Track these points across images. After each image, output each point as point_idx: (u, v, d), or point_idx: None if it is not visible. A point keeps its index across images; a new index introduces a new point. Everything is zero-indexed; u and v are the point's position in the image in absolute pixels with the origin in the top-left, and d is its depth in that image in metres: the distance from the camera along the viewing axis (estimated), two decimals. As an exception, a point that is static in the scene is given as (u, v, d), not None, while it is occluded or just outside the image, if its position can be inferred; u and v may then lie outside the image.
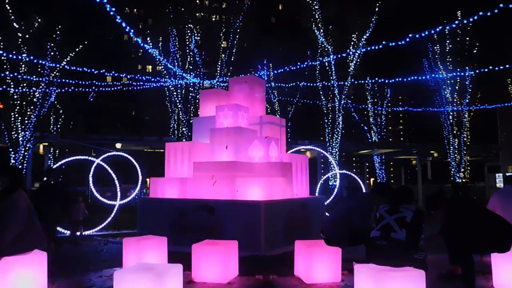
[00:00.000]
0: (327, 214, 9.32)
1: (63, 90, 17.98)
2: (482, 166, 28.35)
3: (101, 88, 18.82)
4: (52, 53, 17.16)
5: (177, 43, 23.14)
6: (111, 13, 10.42)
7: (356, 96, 24.94)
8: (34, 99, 16.74)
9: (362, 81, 22.03)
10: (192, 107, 22.58)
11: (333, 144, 21.67)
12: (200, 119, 9.67)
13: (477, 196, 21.60)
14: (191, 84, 22.62)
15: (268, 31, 42.85)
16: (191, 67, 23.15)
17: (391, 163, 52.07)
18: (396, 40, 11.83)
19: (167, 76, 22.83)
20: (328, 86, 22.22)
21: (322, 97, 22.52)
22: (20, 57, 15.77)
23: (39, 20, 17.10)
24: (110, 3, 10.11)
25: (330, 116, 22.19)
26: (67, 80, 17.24)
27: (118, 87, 19.90)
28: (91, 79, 17.90)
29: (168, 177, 8.83)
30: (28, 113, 16.56)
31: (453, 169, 22.64)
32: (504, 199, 5.96)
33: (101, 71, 16.42)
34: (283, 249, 6.86)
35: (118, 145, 19.46)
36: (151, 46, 20.84)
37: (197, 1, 29.98)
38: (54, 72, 17.21)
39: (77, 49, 18.16)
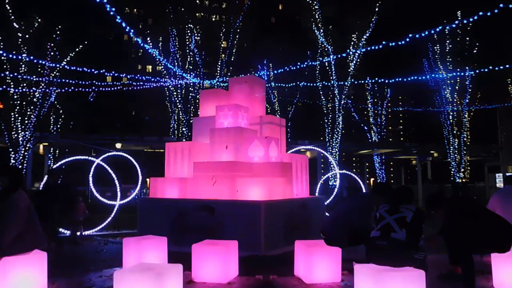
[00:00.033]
0: (327, 214, 9.32)
1: (63, 90, 17.98)
2: (482, 166, 28.35)
3: (101, 88, 18.81)
4: (52, 53, 17.17)
5: (177, 43, 23.14)
6: (111, 13, 10.42)
7: (356, 96, 24.94)
8: (34, 99, 16.74)
9: (362, 81, 22.02)
10: (192, 107, 22.58)
11: (333, 144, 21.67)
12: (200, 119, 9.67)
13: (477, 196, 21.59)
14: (191, 84, 22.62)
15: (268, 31, 42.87)
16: (191, 67, 23.15)
17: (391, 163, 52.06)
18: (396, 40, 11.82)
19: (167, 76, 22.83)
20: (328, 86, 22.21)
21: (322, 97, 22.52)
22: (20, 57, 15.77)
23: (39, 20, 17.11)
24: (110, 3, 10.10)
25: (330, 116, 22.19)
26: (67, 80, 17.24)
27: (118, 87, 19.90)
28: (91, 79, 17.89)
29: (168, 177, 8.84)
30: (28, 113, 16.56)
31: (453, 169, 22.63)
32: (504, 199, 5.96)
33: (101, 71, 16.42)
34: (283, 249, 6.86)
35: (118, 145, 19.45)
36: (151, 46, 20.84)
37: (197, 1, 29.99)
38: (54, 72, 17.22)
39: (77, 49, 18.18)
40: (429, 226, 5.24)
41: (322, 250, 5.13)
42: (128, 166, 12.10)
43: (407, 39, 11.40)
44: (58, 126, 20.52)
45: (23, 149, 16.29)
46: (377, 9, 21.64)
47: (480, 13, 10.13)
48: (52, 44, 17.20)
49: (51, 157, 19.99)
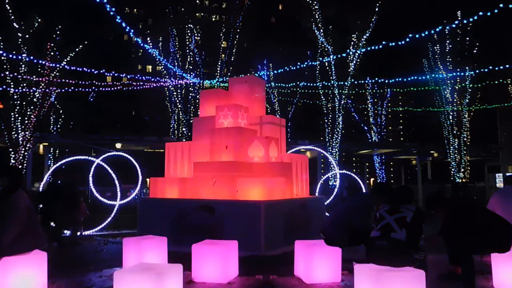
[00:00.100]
0: (327, 214, 9.32)
1: (63, 90, 17.99)
2: (482, 166, 28.33)
3: (101, 88, 18.82)
4: (52, 53, 17.17)
5: (177, 43, 23.15)
6: (111, 13, 10.42)
7: (356, 96, 24.94)
8: (34, 99, 16.73)
9: (362, 81, 22.02)
10: (192, 107, 22.58)
11: (333, 144, 21.67)
12: (200, 119, 9.67)
13: (477, 196, 21.59)
14: (191, 84, 22.62)
15: (268, 31, 42.89)
16: (191, 67, 23.16)
17: (391, 163, 52.05)
18: (396, 40, 11.83)
19: (167, 76, 22.84)
20: (328, 86, 22.21)
21: (322, 97, 22.52)
22: (20, 57, 15.78)
23: (39, 20, 17.11)
24: (110, 3, 10.11)
25: (330, 116, 22.19)
26: (67, 80, 17.24)
27: (118, 87, 19.90)
28: (91, 79, 17.91)
29: (168, 177, 8.84)
30: (28, 113, 16.55)
31: (453, 169, 22.62)
32: (504, 199, 5.95)
33: (101, 71, 16.43)
34: (283, 249, 6.86)
35: (118, 145, 19.45)
36: (151, 46, 20.86)
37: (197, 1, 29.99)
38: (54, 72, 17.21)
39: (77, 49, 18.18)
40: (429, 226, 5.24)
41: (322, 250, 5.13)
42: (128, 166, 12.11)
43: (407, 39, 11.42)
44: (58, 126, 20.53)
45: (23, 149, 16.28)
46: (377, 9, 21.64)
47: (480, 13, 10.15)
48: (52, 44, 17.20)
49: (51, 157, 19.99)
